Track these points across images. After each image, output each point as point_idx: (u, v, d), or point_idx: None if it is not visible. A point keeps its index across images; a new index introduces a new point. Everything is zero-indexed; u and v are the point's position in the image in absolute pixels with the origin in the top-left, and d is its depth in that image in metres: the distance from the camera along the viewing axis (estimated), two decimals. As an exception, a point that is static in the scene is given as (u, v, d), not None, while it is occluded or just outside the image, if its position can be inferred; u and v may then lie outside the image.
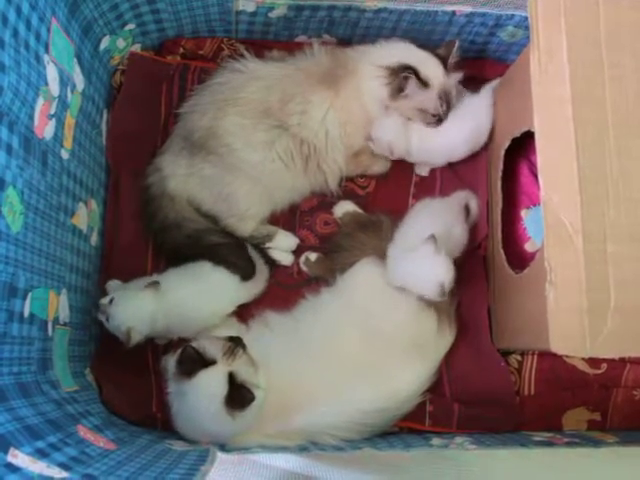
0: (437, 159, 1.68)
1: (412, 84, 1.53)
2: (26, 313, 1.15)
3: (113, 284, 1.54)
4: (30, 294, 1.17)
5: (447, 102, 1.59)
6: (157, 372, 1.51)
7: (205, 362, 1.25)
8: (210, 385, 1.25)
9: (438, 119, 1.60)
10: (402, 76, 1.53)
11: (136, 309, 1.41)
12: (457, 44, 1.59)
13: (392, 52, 1.59)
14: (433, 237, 1.41)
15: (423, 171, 1.72)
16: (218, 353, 1.27)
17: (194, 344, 1.29)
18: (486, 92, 1.62)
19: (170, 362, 1.32)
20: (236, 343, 1.30)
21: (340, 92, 1.58)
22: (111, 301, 1.40)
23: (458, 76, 1.61)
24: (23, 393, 1.09)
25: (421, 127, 1.61)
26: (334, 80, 1.57)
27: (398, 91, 1.55)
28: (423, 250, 1.41)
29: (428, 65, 1.57)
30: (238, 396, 1.24)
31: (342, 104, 1.58)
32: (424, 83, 1.55)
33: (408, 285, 1.45)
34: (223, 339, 1.31)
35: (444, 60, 1.58)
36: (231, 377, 1.25)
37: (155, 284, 1.44)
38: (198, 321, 1.49)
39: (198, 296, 1.48)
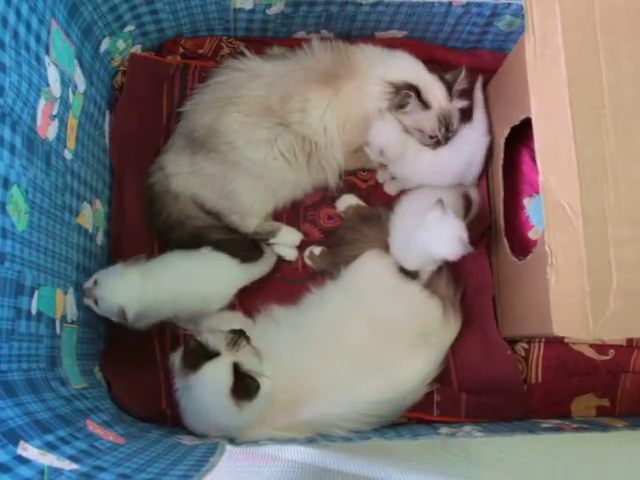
0: (421, 179, 1.65)
1: (413, 103, 1.54)
2: (34, 311, 1.17)
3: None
4: (37, 292, 1.18)
5: (447, 126, 1.58)
6: (166, 369, 1.51)
7: (209, 354, 1.26)
8: (215, 376, 1.25)
9: (436, 141, 1.59)
10: (404, 93, 1.54)
11: (123, 286, 1.40)
12: (464, 71, 1.58)
13: (399, 68, 1.59)
14: (440, 201, 1.44)
15: (393, 189, 1.71)
16: (222, 345, 1.28)
17: (198, 338, 1.29)
18: (482, 124, 1.61)
19: (176, 358, 1.33)
20: (239, 334, 1.31)
21: (340, 91, 1.58)
22: (95, 282, 1.39)
23: (462, 104, 1.61)
24: (33, 389, 1.11)
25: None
26: (334, 78, 1.58)
27: (399, 107, 1.56)
28: (432, 215, 1.44)
29: (432, 87, 1.57)
30: (243, 386, 1.24)
31: (341, 103, 1.58)
32: (425, 104, 1.56)
33: (428, 254, 1.47)
34: (226, 332, 1.32)
35: (450, 85, 1.58)
36: (236, 368, 1.26)
37: (137, 259, 1.44)
38: (193, 302, 1.49)
39: (191, 274, 1.48)
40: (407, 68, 1.60)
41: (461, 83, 1.59)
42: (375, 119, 1.57)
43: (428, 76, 1.58)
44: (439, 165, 1.61)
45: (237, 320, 1.54)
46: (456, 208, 1.57)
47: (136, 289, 1.41)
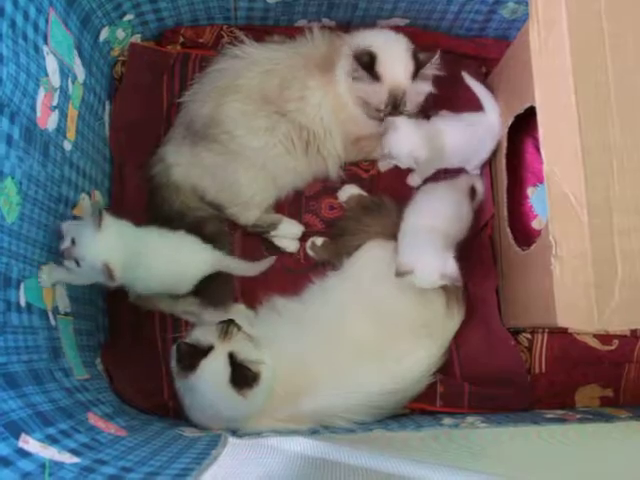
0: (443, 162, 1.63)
1: (359, 71, 1.49)
2: (22, 303, 1.16)
3: (67, 225, 1.34)
4: (23, 284, 1.17)
5: (395, 104, 1.51)
6: (167, 360, 1.51)
7: (203, 351, 1.26)
8: (214, 371, 1.25)
9: (380, 117, 1.54)
10: (351, 59, 1.49)
11: (104, 241, 1.29)
12: (438, 55, 1.49)
13: (370, 38, 1.54)
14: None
15: (416, 181, 1.67)
16: (214, 337, 1.28)
17: (187, 339, 1.30)
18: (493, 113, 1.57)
19: (171, 363, 1.32)
20: (228, 324, 1.30)
21: (334, 79, 1.56)
22: (73, 242, 1.28)
23: (426, 89, 1.54)
24: (36, 380, 1.10)
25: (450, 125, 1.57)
26: (329, 66, 1.56)
27: (351, 73, 1.52)
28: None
29: (392, 60, 1.50)
30: (242, 375, 1.25)
31: (335, 91, 1.56)
32: (375, 75, 1.49)
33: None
34: (215, 324, 1.31)
35: (420, 65, 1.50)
36: (232, 357, 1.26)
37: (100, 210, 1.32)
38: (162, 278, 1.45)
39: (164, 251, 1.44)
40: (377, 38, 1.54)
41: (432, 68, 1.51)
42: (388, 131, 1.51)
43: (395, 49, 1.52)
44: (453, 147, 1.57)
45: (239, 311, 1.54)
46: (466, 199, 1.57)
47: (118, 244, 1.32)
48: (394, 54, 1.51)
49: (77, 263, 1.28)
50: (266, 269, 1.60)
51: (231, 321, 1.31)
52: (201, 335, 1.29)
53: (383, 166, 1.70)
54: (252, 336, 1.33)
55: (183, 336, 1.52)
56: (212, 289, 1.54)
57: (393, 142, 1.52)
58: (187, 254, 1.48)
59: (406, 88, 1.51)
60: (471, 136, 1.57)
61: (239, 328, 1.31)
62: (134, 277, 1.40)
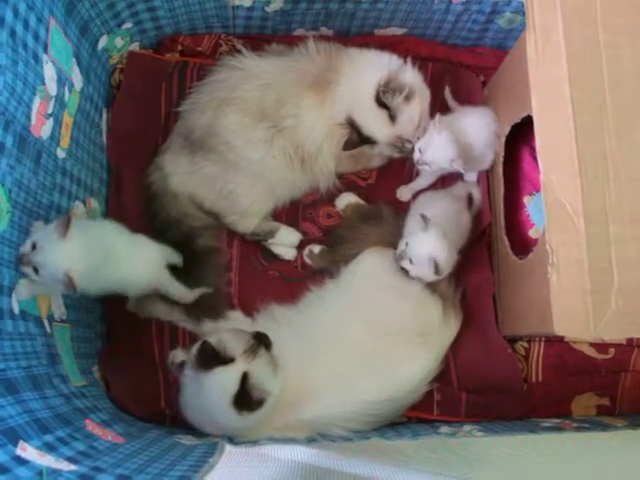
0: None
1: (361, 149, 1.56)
2: (16, 310, 1.15)
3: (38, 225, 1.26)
4: (15, 291, 1.16)
5: (402, 145, 1.56)
6: (165, 368, 1.52)
7: (223, 359, 1.23)
8: (223, 383, 1.23)
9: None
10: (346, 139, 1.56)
11: (68, 248, 1.19)
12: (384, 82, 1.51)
13: (350, 98, 1.55)
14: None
15: (406, 195, 1.70)
16: (239, 349, 1.25)
17: (214, 339, 1.26)
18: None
19: (191, 351, 1.28)
20: (259, 342, 1.27)
21: (326, 100, 1.56)
22: (34, 247, 1.18)
23: (417, 110, 1.54)
24: (35, 385, 1.10)
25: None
26: (323, 85, 1.55)
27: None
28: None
29: (368, 124, 1.54)
30: (246, 399, 1.22)
31: (327, 113, 1.56)
32: (369, 139, 1.55)
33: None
34: (249, 334, 1.28)
35: (387, 106, 1.51)
36: (245, 378, 1.22)
37: (68, 218, 1.21)
38: (114, 278, 1.37)
39: (121, 252, 1.37)
40: (348, 104, 1.55)
41: (396, 91, 1.50)
42: (431, 138, 1.51)
43: (365, 110, 1.53)
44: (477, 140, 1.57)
45: (236, 318, 1.54)
46: (464, 207, 1.58)
47: (83, 251, 1.22)
48: (365, 117, 1.54)
49: (35, 270, 1.18)
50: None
51: (264, 339, 1.28)
52: (230, 339, 1.27)
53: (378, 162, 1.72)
54: (276, 361, 1.29)
55: (180, 345, 1.53)
56: (199, 300, 1.53)
57: (434, 148, 1.51)
58: (141, 260, 1.42)
59: (394, 133, 1.54)
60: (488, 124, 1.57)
61: (268, 348, 1.28)
62: (95, 279, 1.30)
